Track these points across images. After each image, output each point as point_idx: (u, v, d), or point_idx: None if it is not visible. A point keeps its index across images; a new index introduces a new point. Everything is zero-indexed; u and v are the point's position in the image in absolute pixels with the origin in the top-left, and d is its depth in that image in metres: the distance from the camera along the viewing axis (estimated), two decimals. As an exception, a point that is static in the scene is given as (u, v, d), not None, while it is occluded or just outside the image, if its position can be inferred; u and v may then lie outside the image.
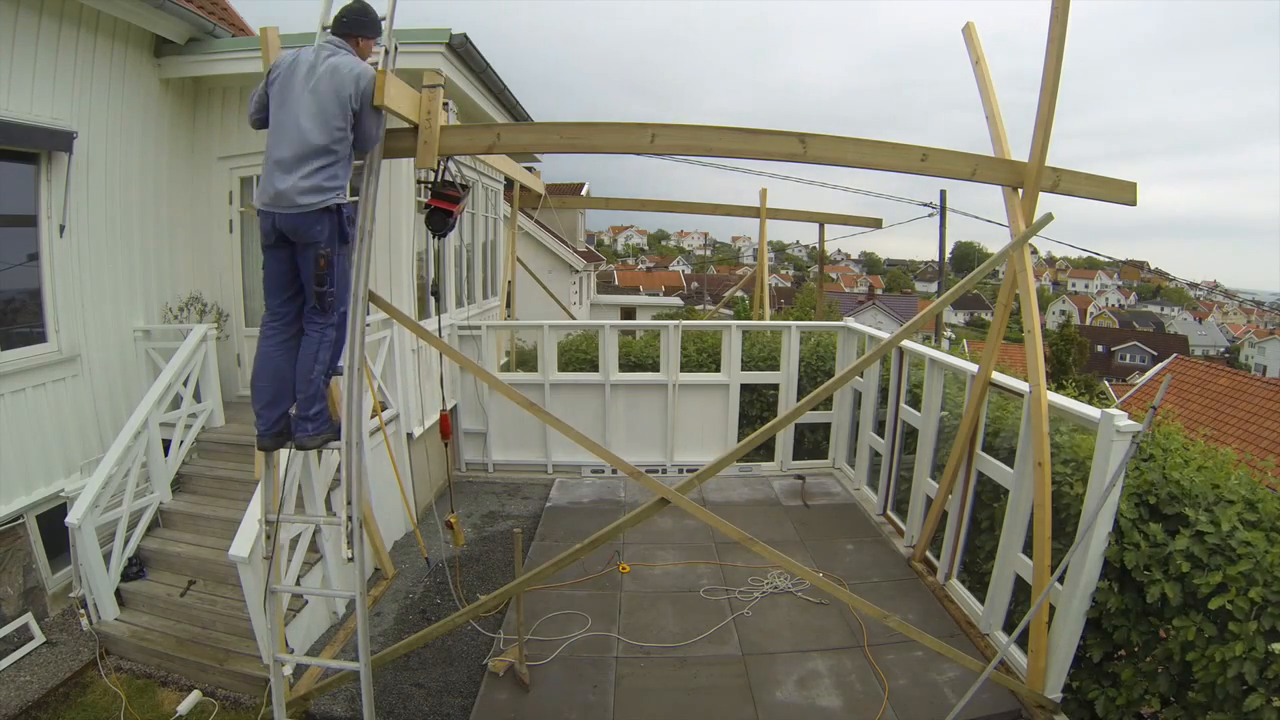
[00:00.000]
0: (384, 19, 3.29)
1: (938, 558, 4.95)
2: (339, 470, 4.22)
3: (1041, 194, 3.75)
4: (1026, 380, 3.83)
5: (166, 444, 5.00)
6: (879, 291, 76.63)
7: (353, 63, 3.03)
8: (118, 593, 4.43)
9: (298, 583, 4.20)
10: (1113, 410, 3.37)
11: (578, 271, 19.09)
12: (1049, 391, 3.74)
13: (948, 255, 15.69)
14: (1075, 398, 4.04)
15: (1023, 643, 3.68)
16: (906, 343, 5.41)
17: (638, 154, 3.66)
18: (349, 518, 3.14)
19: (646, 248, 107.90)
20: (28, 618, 4.43)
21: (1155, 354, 44.51)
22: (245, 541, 3.61)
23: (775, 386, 7.28)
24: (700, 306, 31.86)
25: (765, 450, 7.32)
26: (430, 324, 6.00)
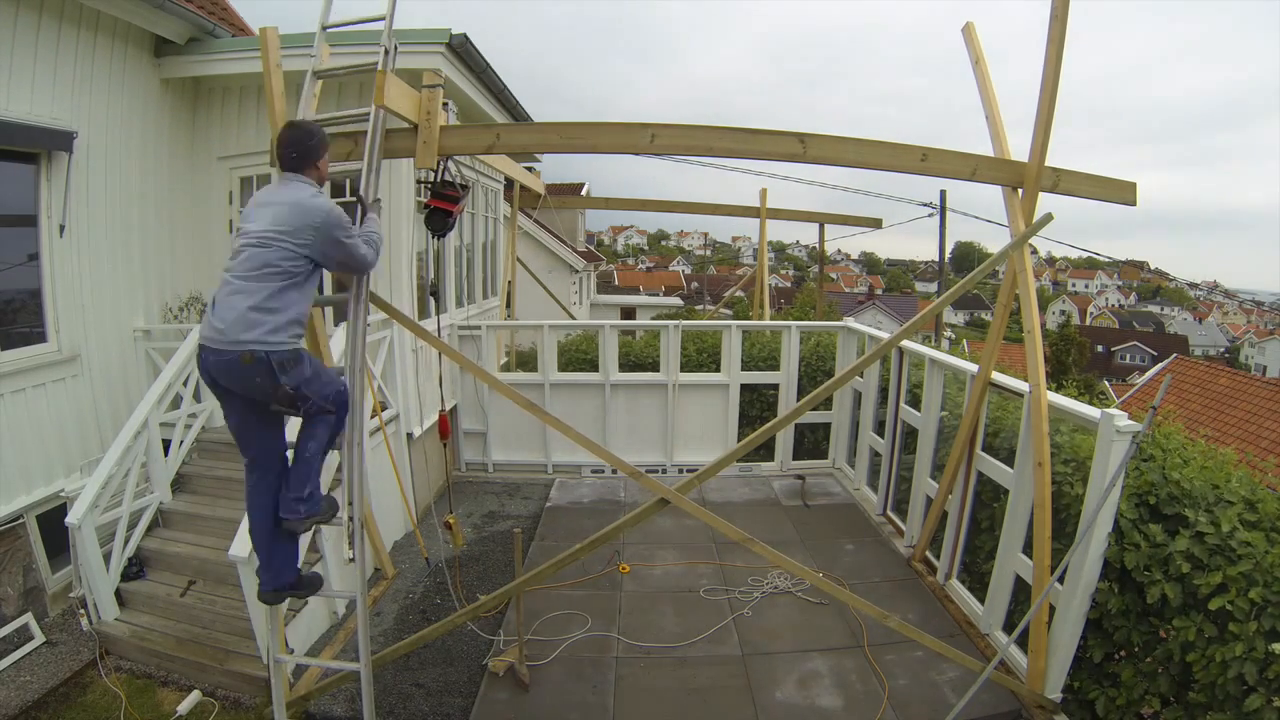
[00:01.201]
0: (383, 18, 3.30)
1: (938, 558, 4.95)
2: (339, 470, 4.22)
3: (1041, 194, 3.75)
4: (1026, 380, 3.83)
5: (166, 444, 5.00)
6: (879, 291, 76.64)
7: (311, 200, 2.80)
8: (118, 593, 4.44)
9: (298, 583, 4.20)
10: (1113, 410, 3.37)
11: (578, 271, 19.09)
12: (1049, 391, 3.74)
13: (948, 255, 15.69)
14: (1075, 398, 4.04)
15: (1023, 643, 3.68)
16: (906, 343, 5.42)
17: (637, 154, 3.67)
18: (349, 518, 3.14)
19: (646, 248, 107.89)
20: (28, 618, 4.43)
21: (1155, 354, 44.54)
22: (245, 541, 3.60)
23: (775, 386, 7.28)
24: (700, 306, 31.85)
25: (765, 450, 7.32)
26: (430, 324, 6.00)
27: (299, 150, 2.86)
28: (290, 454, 2.97)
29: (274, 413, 2.87)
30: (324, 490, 4.46)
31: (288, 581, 3.08)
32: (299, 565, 3.17)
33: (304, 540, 4.30)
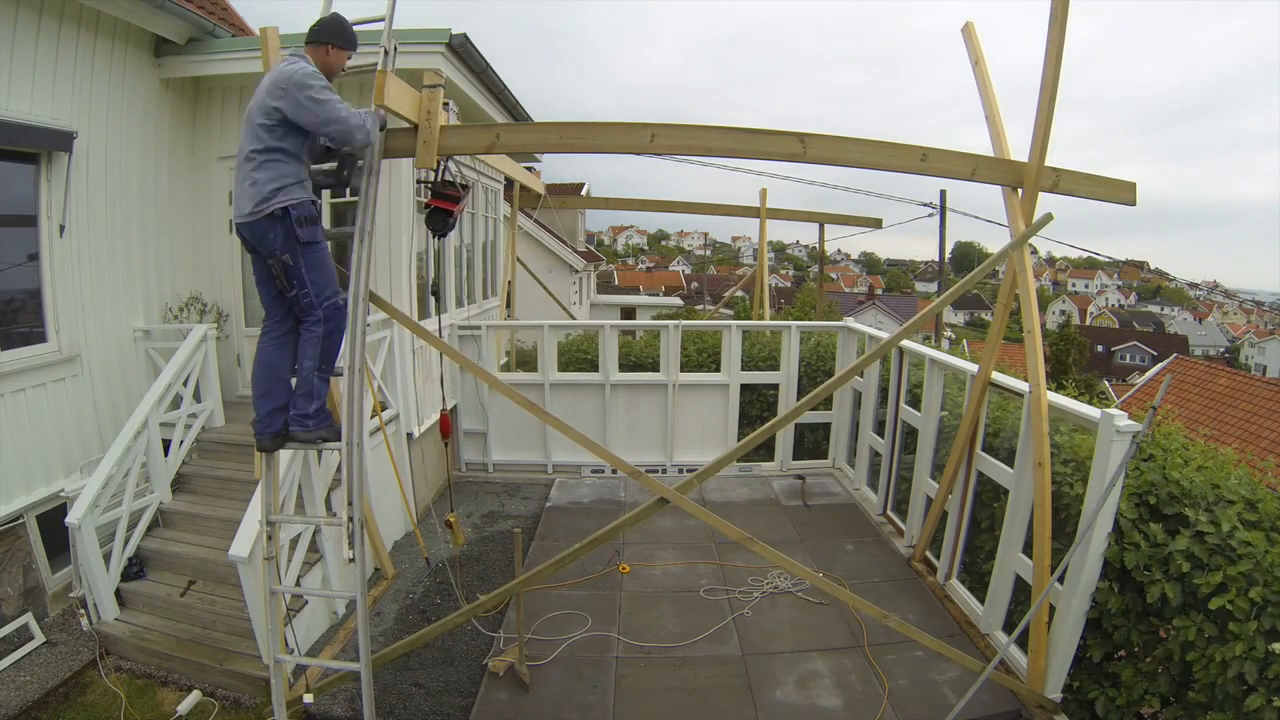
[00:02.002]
0: (383, 19, 3.30)
1: (938, 558, 4.95)
2: (339, 470, 4.22)
3: (1041, 194, 3.75)
4: (1026, 380, 3.83)
5: (166, 444, 5.00)
6: (879, 291, 76.65)
7: (285, 67, 2.96)
8: (118, 593, 4.44)
9: (298, 583, 4.20)
10: (1113, 410, 3.37)
11: (578, 271, 19.10)
12: (1049, 391, 3.74)
13: (948, 255, 15.69)
14: (1075, 398, 4.04)
15: (1023, 643, 3.68)
16: (906, 343, 5.41)
17: (637, 154, 3.66)
18: (350, 518, 3.14)
19: (646, 248, 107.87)
20: (28, 618, 4.43)
21: (1155, 354, 44.54)
22: (245, 541, 3.61)
23: (775, 386, 7.28)
24: (700, 306, 31.86)
25: (765, 450, 7.32)
26: (430, 324, 6.01)
27: (316, 27, 3.12)
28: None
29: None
30: (324, 491, 4.50)
31: (275, 430, 3.22)
32: (285, 419, 3.25)
33: (304, 539, 4.34)
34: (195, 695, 3.95)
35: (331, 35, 3.11)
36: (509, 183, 8.75)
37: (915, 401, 5.43)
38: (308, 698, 3.48)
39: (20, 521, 4.58)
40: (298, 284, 3.06)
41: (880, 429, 6.18)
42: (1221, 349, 59.50)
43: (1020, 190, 3.80)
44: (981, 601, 4.35)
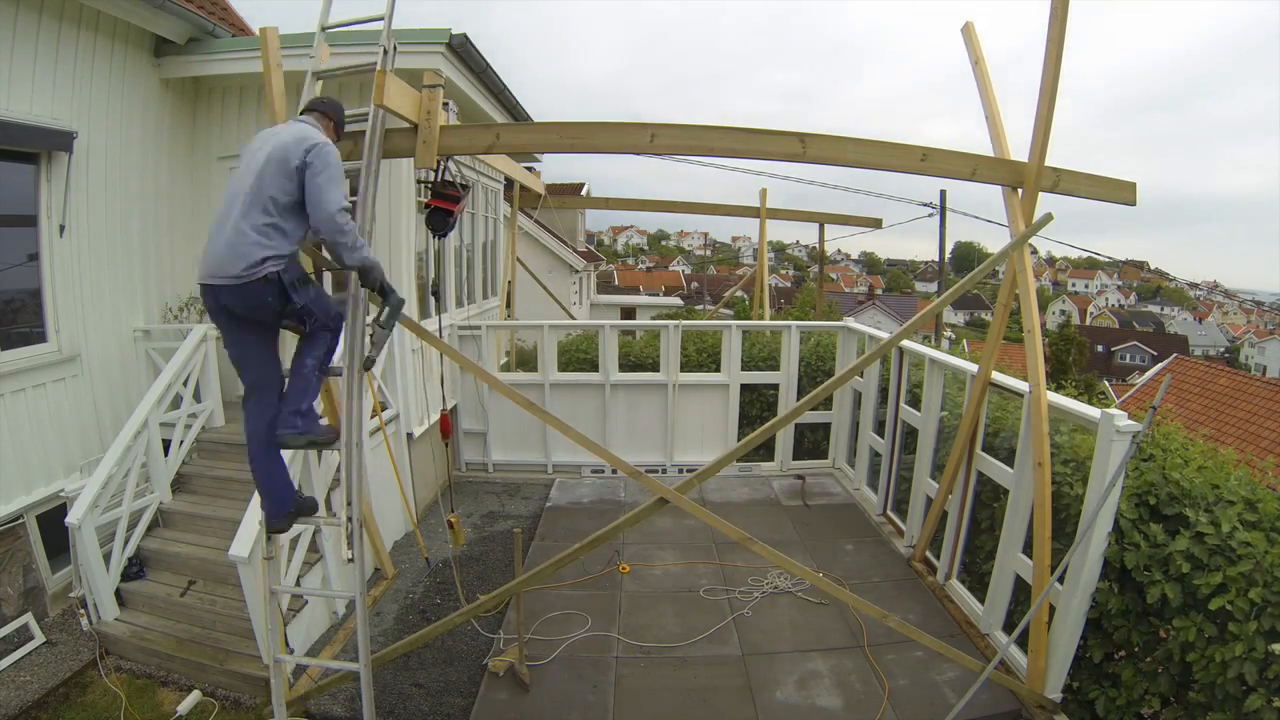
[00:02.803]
0: (382, 18, 3.30)
1: (938, 558, 4.95)
2: (339, 470, 4.22)
3: (1041, 194, 3.75)
4: (1026, 380, 3.83)
5: (166, 444, 5.00)
6: (879, 291, 76.66)
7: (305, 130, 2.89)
8: (118, 593, 4.43)
9: (298, 583, 4.20)
10: (1113, 410, 3.37)
11: (578, 271, 19.11)
12: (1049, 391, 3.74)
13: (947, 255, 15.68)
14: (1075, 398, 4.03)
15: (1023, 643, 3.68)
16: (906, 342, 5.41)
17: (637, 154, 3.67)
18: (349, 518, 3.14)
19: (646, 248, 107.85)
20: (28, 618, 4.43)
21: (1155, 354, 44.52)
22: (245, 541, 3.61)
23: (775, 386, 7.28)
24: (700, 306, 31.88)
25: (765, 450, 7.32)
26: (430, 324, 6.01)
27: (316, 104, 3.09)
28: (288, 369, 3.06)
29: (270, 335, 3.00)
30: (324, 491, 4.50)
31: (288, 510, 3.14)
32: (294, 489, 3.21)
33: (304, 539, 4.34)
34: (195, 695, 3.95)
35: (324, 104, 3.10)
36: (509, 183, 8.75)
37: (915, 401, 5.43)
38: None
39: (20, 521, 4.58)
40: (309, 319, 2.98)
41: (880, 429, 6.18)
42: (1221, 349, 59.49)
43: (1020, 190, 3.80)
44: (981, 601, 4.35)
